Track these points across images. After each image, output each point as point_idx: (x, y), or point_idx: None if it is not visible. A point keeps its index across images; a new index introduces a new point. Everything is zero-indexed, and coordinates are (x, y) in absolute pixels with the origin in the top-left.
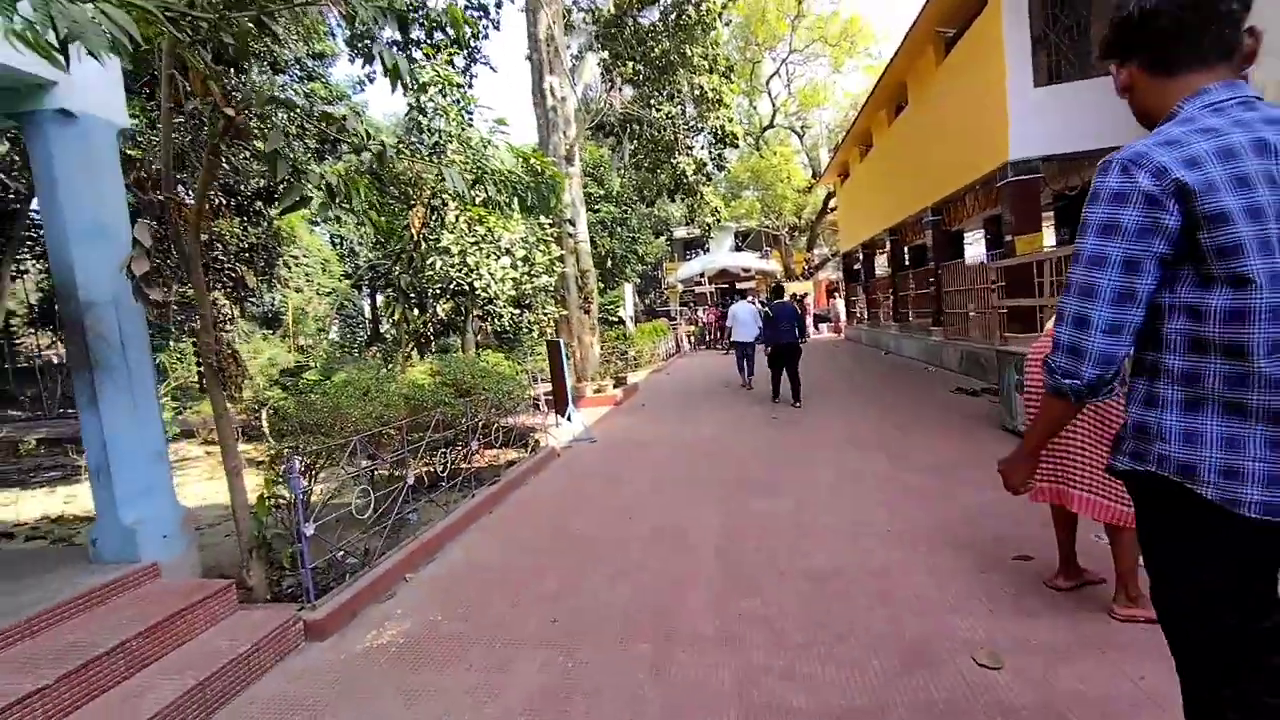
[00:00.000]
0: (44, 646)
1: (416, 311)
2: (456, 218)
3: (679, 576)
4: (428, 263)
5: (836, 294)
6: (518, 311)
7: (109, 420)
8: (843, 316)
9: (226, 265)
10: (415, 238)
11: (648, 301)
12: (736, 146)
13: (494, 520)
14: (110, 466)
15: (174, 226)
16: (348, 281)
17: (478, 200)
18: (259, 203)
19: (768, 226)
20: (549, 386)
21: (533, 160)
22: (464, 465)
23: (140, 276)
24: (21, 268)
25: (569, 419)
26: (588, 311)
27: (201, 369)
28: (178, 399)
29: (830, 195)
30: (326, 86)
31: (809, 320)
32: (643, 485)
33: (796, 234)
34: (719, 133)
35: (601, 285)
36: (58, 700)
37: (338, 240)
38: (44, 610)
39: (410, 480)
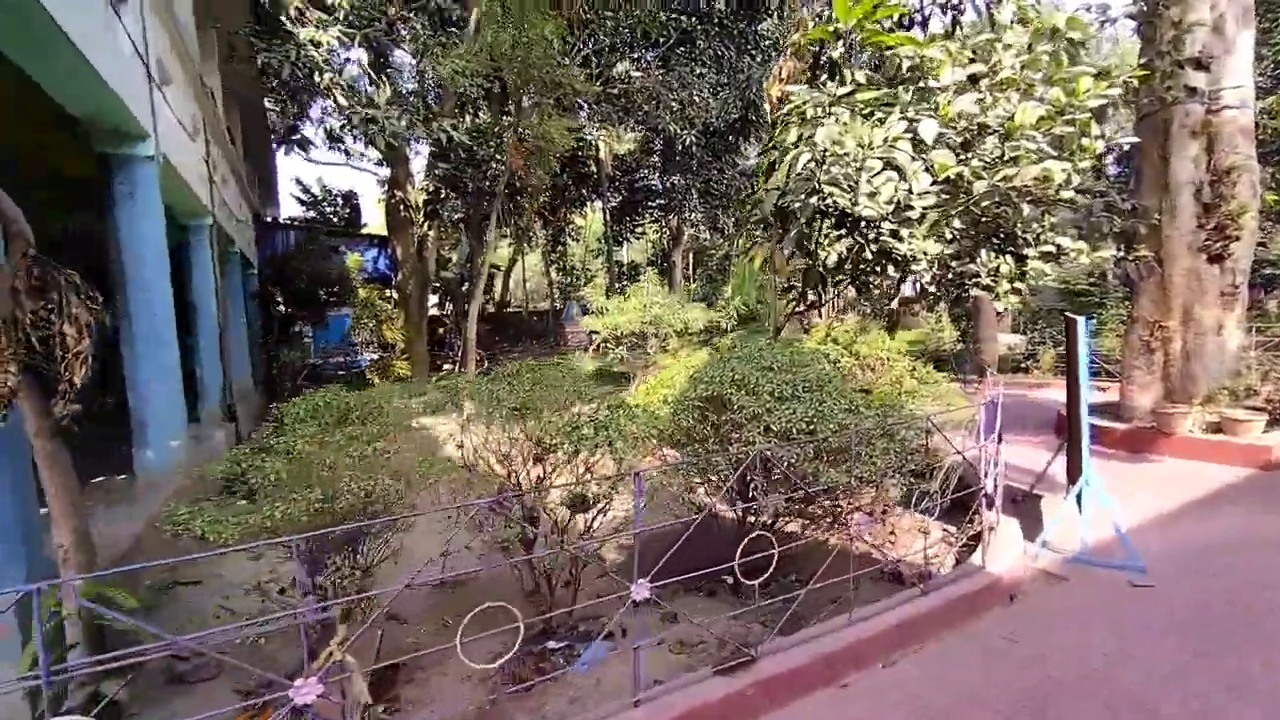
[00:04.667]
0: None
1: (788, 254)
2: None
3: None
4: (787, 161)
5: None
6: (954, 257)
7: None
8: None
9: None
10: (771, 119)
11: None
12: None
13: None
14: None
15: None
16: None
17: None
18: None
19: None
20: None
21: None
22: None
23: None
24: None
25: (1079, 496)
26: (1220, 258)
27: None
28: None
29: None
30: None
31: None
32: None
33: None
34: None
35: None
36: None
37: None
38: None
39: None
